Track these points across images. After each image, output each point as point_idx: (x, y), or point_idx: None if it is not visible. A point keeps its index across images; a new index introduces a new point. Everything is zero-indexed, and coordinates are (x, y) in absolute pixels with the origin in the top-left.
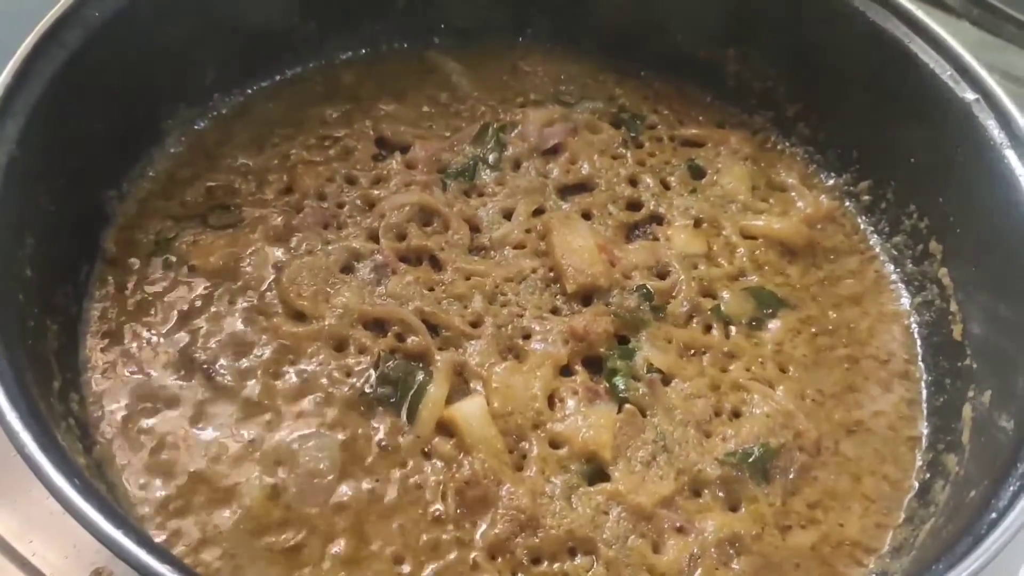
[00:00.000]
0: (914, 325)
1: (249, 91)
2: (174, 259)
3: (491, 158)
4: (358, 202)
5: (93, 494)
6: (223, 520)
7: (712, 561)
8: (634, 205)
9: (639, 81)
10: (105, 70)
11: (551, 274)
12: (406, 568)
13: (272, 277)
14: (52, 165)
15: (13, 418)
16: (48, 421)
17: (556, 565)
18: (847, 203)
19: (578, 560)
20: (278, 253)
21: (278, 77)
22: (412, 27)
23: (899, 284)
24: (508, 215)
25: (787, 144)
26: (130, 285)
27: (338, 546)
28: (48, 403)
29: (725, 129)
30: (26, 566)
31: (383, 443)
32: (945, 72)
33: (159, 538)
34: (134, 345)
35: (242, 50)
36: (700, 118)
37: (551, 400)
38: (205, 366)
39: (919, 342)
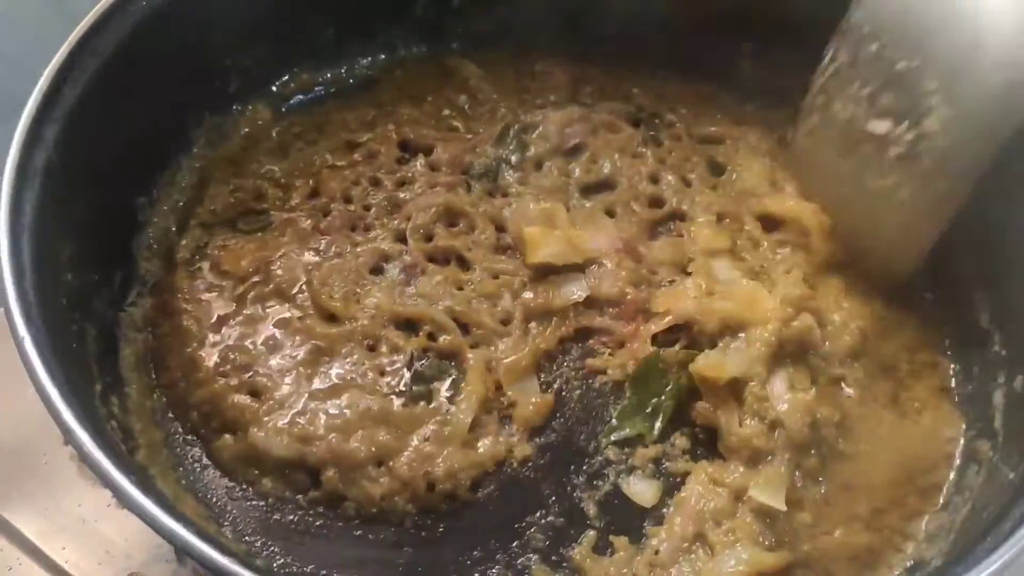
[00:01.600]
0: (940, 314)
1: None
2: (205, 264)
3: (513, 159)
4: (384, 204)
5: (151, 489)
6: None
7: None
8: (656, 202)
9: (656, 81)
10: (136, 78)
11: None
12: None
13: (303, 280)
14: (87, 172)
15: (69, 417)
16: (100, 421)
17: None
18: None
19: None
20: (308, 256)
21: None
22: (430, 32)
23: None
24: None
25: None
26: (163, 290)
27: None
28: (93, 406)
29: (743, 126)
30: (59, 572)
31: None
32: None
33: None
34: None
35: (264, 58)
36: (718, 115)
37: None
38: (240, 369)
39: (945, 330)
